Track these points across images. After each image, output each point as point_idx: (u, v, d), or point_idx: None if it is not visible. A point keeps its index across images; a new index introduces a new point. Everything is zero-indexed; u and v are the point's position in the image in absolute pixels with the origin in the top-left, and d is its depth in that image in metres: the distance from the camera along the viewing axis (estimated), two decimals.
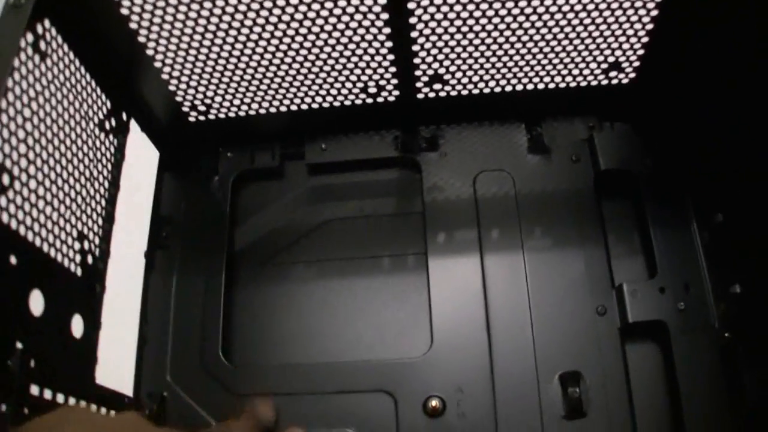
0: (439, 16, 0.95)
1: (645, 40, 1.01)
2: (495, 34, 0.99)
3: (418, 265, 1.12)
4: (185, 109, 1.13)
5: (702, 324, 1.00)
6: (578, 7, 0.95)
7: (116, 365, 1.00)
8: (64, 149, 0.88)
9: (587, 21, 0.98)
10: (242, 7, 0.92)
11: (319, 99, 1.12)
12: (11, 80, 0.76)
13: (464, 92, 1.12)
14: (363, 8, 0.93)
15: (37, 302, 0.78)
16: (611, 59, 1.06)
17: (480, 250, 1.09)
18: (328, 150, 1.19)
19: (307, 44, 1.00)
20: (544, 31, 0.99)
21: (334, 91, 1.10)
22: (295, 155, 1.21)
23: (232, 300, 1.13)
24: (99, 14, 0.93)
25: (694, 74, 1.03)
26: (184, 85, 1.08)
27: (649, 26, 0.99)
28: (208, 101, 1.11)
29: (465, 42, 1.01)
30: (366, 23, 0.96)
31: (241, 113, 1.14)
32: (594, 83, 1.11)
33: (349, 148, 1.19)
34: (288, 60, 1.03)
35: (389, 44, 1.00)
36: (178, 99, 1.11)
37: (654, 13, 0.96)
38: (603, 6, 0.95)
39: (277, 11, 0.93)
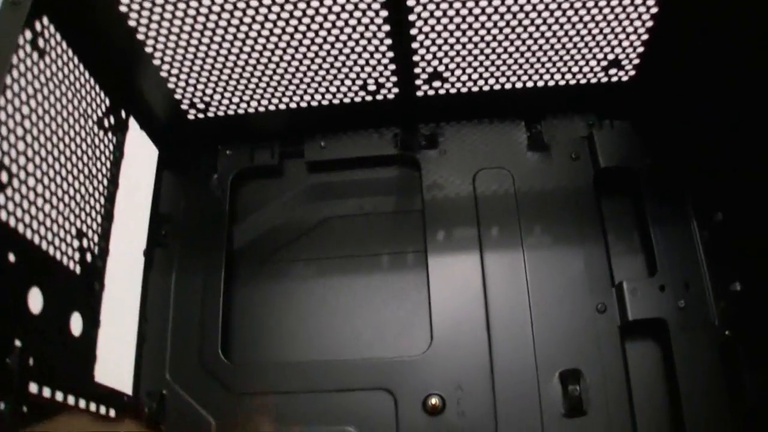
0: (438, 13, 0.95)
1: (645, 37, 1.01)
2: (494, 31, 0.99)
3: (418, 263, 1.12)
4: (184, 106, 1.13)
5: (702, 322, 0.99)
6: (578, 5, 0.95)
7: (115, 364, 1.00)
8: (62, 147, 0.87)
9: (587, 18, 0.97)
10: (241, 5, 0.92)
11: (318, 96, 1.11)
12: (9, 77, 0.76)
13: (464, 90, 1.11)
14: (362, 5, 0.93)
15: (35, 300, 0.78)
16: (611, 57, 1.05)
17: (480, 247, 1.09)
18: (327, 148, 1.19)
19: (307, 41, 0.99)
20: (543, 28, 0.99)
21: (333, 89, 1.10)
22: (294, 153, 1.21)
23: (232, 298, 1.13)
24: (98, 11, 0.93)
25: (694, 72, 1.03)
26: (183, 83, 1.08)
27: (649, 23, 0.98)
28: (207, 99, 1.11)
29: (464, 39, 1.01)
30: (365, 20, 0.96)
31: (240, 111, 1.14)
32: (594, 81, 1.10)
33: (349, 145, 1.19)
34: (287, 57, 1.03)
35: (388, 41, 1.00)
36: (177, 96, 1.11)
37: (654, 10, 0.96)
38: (603, 3, 0.95)
39: (276, 8, 0.93)
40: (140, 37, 0.97)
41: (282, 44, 1.00)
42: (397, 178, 1.19)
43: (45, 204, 0.82)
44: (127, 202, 1.05)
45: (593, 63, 1.07)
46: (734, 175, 0.97)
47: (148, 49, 1.00)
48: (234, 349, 1.10)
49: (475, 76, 1.09)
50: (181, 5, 0.92)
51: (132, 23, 0.95)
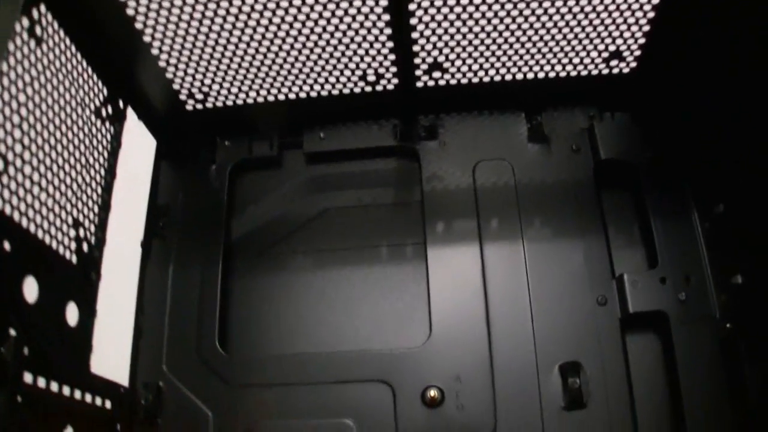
0: (438, 2, 0.95)
1: (646, 28, 1.01)
2: (495, 21, 0.99)
3: (417, 255, 1.12)
4: (183, 97, 1.12)
5: (703, 315, 0.99)
6: None
7: (112, 355, 1.00)
8: (59, 135, 0.87)
9: (588, 9, 0.97)
10: None
11: (317, 87, 1.11)
12: (6, 65, 0.75)
13: (464, 81, 1.11)
14: None
15: (31, 289, 0.78)
16: (612, 48, 1.05)
17: (479, 239, 1.08)
18: (326, 139, 1.19)
19: (306, 31, 0.99)
20: (544, 18, 0.99)
21: (332, 79, 1.09)
22: (293, 144, 1.20)
23: (229, 290, 1.13)
24: (96, 0, 0.92)
25: (695, 63, 1.02)
26: (181, 73, 1.07)
27: (651, 14, 0.98)
28: (205, 89, 1.11)
29: (465, 30, 1.00)
30: (365, 9, 0.95)
31: (239, 102, 1.14)
32: (594, 72, 1.10)
33: (348, 137, 1.19)
34: (286, 47, 1.02)
35: (388, 31, 0.99)
36: (176, 87, 1.10)
37: (655, 1, 0.95)
38: None
39: None
40: (139, 26, 0.97)
41: (281, 34, 0.99)
42: (396, 170, 1.19)
43: (41, 193, 0.82)
44: (125, 194, 1.05)
45: (594, 54, 1.06)
46: (735, 167, 0.97)
47: (147, 39, 0.99)
48: (232, 341, 1.10)
49: (475, 67, 1.08)
50: None
51: (130, 12, 0.94)
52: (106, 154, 1.00)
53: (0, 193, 0.73)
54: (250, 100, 1.13)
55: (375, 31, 0.99)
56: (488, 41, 1.03)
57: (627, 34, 1.02)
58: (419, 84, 1.11)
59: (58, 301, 0.85)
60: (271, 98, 1.13)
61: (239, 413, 1.02)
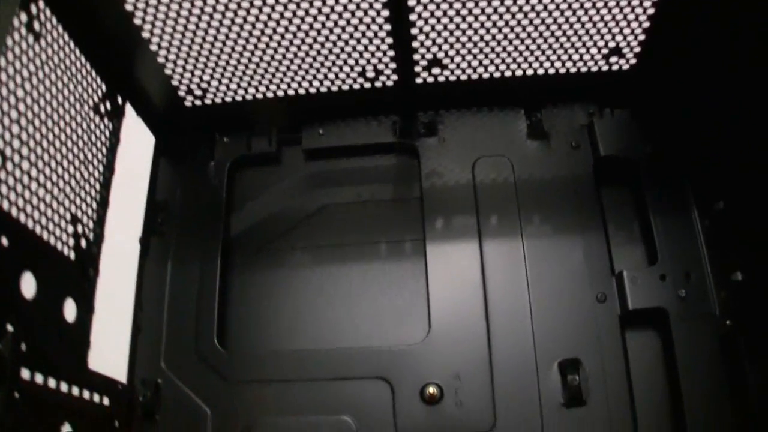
0: None
1: (646, 24, 1.01)
2: (494, 17, 0.99)
3: (416, 252, 1.12)
4: (181, 93, 1.12)
5: (702, 312, 0.99)
6: None
7: (110, 351, 1.00)
8: (57, 131, 0.87)
9: (588, 5, 0.97)
10: None
11: (316, 83, 1.11)
12: (4, 60, 0.75)
13: (463, 77, 1.11)
14: None
15: (28, 285, 0.78)
16: (612, 44, 1.05)
17: (479, 236, 1.08)
18: (325, 135, 1.19)
19: (305, 27, 0.99)
20: (544, 14, 0.99)
21: (331, 76, 1.09)
22: (292, 141, 1.20)
23: (228, 286, 1.13)
24: None
25: (695, 60, 1.02)
26: (180, 69, 1.07)
27: (650, 11, 0.98)
28: (204, 85, 1.10)
29: (464, 26, 1.00)
30: (364, 5, 0.95)
31: (238, 98, 1.13)
32: (594, 69, 1.10)
33: (347, 133, 1.18)
34: (285, 43, 1.02)
35: (387, 27, 0.99)
36: (174, 83, 1.10)
37: None
38: None
39: None
40: (137, 21, 0.96)
41: (280, 29, 0.99)
42: (395, 166, 1.19)
43: (39, 188, 0.82)
44: (124, 190, 1.05)
45: (594, 51, 1.06)
46: (735, 164, 0.97)
47: (145, 35, 0.99)
48: (230, 337, 1.10)
49: (474, 64, 1.08)
50: None
51: (129, 8, 0.94)
52: (104, 150, 1.00)
53: None
54: (248, 97, 1.13)
55: (374, 27, 0.99)
56: (488, 37, 1.02)
57: (627, 31, 1.02)
58: (418, 80, 1.11)
59: (55, 297, 0.85)
60: (270, 94, 1.13)
61: (238, 410, 1.02)
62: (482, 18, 0.98)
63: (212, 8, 0.94)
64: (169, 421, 1.02)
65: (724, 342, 0.97)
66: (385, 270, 1.12)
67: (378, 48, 1.03)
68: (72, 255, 0.89)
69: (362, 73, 1.09)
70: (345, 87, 1.12)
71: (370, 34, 1.00)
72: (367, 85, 1.11)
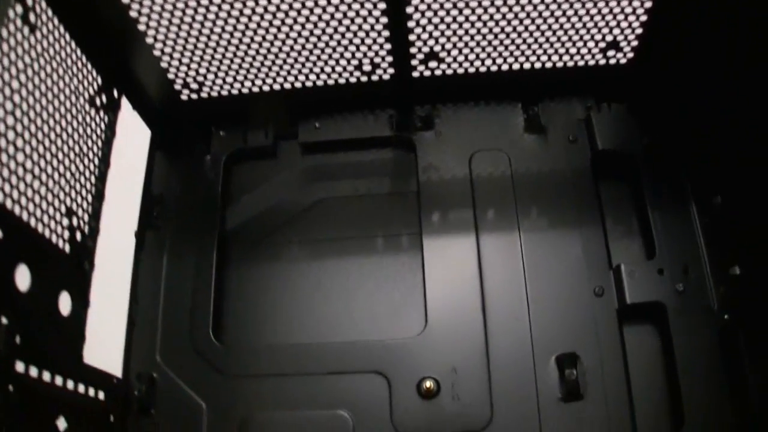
0: None
1: (643, 18, 1.01)
2: (491, 10, 0.99)
3: (413, 245, 1.11)
4: (177, 87, 1.12)
5: (701, 306, 0.99)
6: None
7: (105, 345, 0.99)
8: (53, 123, 0.86)
9: None
10: None
11: (313, 77, 1.11)
12: None
13: (460, 71, 1.10)
14: None
15: (23, 277, 0.77)
16: (609, 38, 1.05)
17: (476, 230, 1.08)
18: (322, 129, 1.18)
19: (302, 19, 0.98)
20: (541, 8, 0.99)
21: (328, 69, 1.09)
22: (288, 134, 1.20)
23: (224, 280, 1.12)
24: None
25: (693, 54, 1.02)
26: (176, 62, 1.07)
27: (648, 4, 0.98)
28: (200, 79, 1.10)
29: (461, 18, 1.00)
30: None
31: (234, 91, 1.13)
32: (592, 63, 1.10)
33: (344, 127, 1.18)
34: (282, 36, 1.02)
35: (384, 20, 0.99)
36: (171, 76, 1.10)
37: None
38: None
39: None
40: (133, 14, 0.96)
41: (276, 22, 0.99)
42: (392, 160, 1.18)
43: (34, 180, 0.81)
44: (119, 183, 1.04)
45: (591, 45, 1.06)
46: (734, 158, 0.97)
47: (141, 27, 0.99)
48: (226, 331, 1.09)
49: (471, 57, 1.08)
50: None
51: (125, 0, 0.93)
52: (100, 143, 1.00)
53: None
54: (245, 90, 1.13)
55: (371, 20, 0.99)
56: (485, 30, 1.02)
57: (624, 24, 1.02)
58: (415, 74, 1.10)
59: (50, 290, 0.85)
60: (266, 88, 1.13)
61: (233, 404, 1.01)
62: (479, 11, 0.98)
63: (208, 1, 0.94)
64: (164, 416, 1.02)
65: (723, 336, 0.96)
66: (381, 264, 1.11)
67: (375, 41, 1.03)
68: (67, 248, 0.89)
69: (359, 67, 1.08)
70: (341, 80, 1.11)
71: (366, 26, 1.00)
72: (364, 78, 1.11)
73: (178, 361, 1.04)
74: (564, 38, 1.04)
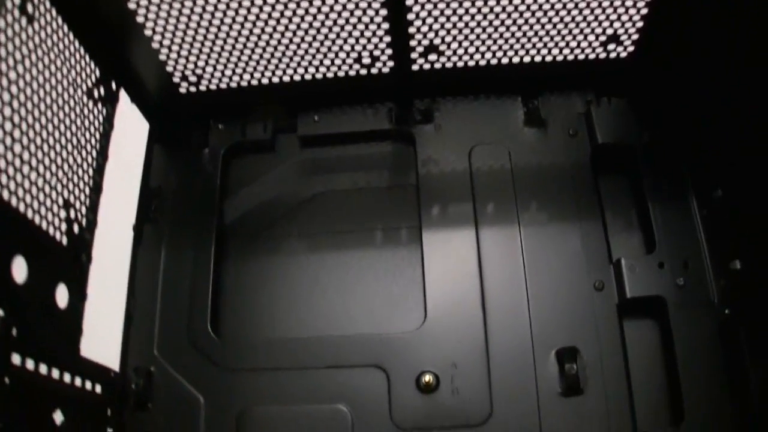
0: None
1: (644, 12, 1.00)
2: (491, 3, 0.98)
3: (412, 239, 1.11)
4: (176, 79, 1.12)
5: (701, 300, 0.99)
6: None
7: (102, 339, 0.99)
8: (50, 115, 0.86)
9: None
10: None
11: (312, 70, 1.10)
12: None
13: (460, 64, 1.10)
14: None
15: (20, 269, 0.77)
16: (609, 32, 1.05)
17: (475, 224, 1.08)
18: (321, 122, 1.18)
19: (300, 12, 0.98)
20: (541, 1, 0.98)
21: (327, 62, 1.08)
22: (287, 128, 1.19)
23: (222, 274, 1.12)
24: None
25: (693, 47, 1.02)
26: (174, 55, 1.06)
27: None
28: (199, 72, 1.10)
29: (461, 11, 1.00)
30: None
31: (233, 84, 1.13)
32: (592, 56, 1.10)
33: (343, 120, 1.18)
34: (281, 29, 1.01)
35: (384, 12, 0.98)
36: (169, 69, 1.09)
37: None
38: None
39: None
40: (132, 6, 0.96)
41: (275, 15, 0.98)
42: (391, 154, 1.18)
43: (31, 172, 0.81)
44: (117, 176, 1.04)
45: (592, 38, 1.06)
46: (734, 152, 0.97)
47: (140, 19, 0.98)
48: (224, 325, 1.09)
49: (471, 50, 1.07)
50: None
51: None
52: (98, 136, 0.99)
53: None
54: (244, 83, 1.13)
55: (370, 13, 0.98)
56: (485, 23, 1.02)
57: (624, 18, 1.02)
58: (415, 67, 1.10)
59: (47, 283, 0.84)
60: (265, 81, 1.12)
61: (231, 398, 1.01)
62: (479, 3, 0.98)
63: None
64: (161, 410, 1.01)
65: (723, 330, 0.96)
66: (381, 257, 1.11)
67: (374, 34, 1.03)
68: (64, 240, 0.89)
69: (358, 60, 1.08)
70: (341, 73, 1.11)
71: (366, 19, 1.00)
72: (363, 71, 1.10)
73: (175, 355, 1.04)
74: (564, 31, 1.04)
